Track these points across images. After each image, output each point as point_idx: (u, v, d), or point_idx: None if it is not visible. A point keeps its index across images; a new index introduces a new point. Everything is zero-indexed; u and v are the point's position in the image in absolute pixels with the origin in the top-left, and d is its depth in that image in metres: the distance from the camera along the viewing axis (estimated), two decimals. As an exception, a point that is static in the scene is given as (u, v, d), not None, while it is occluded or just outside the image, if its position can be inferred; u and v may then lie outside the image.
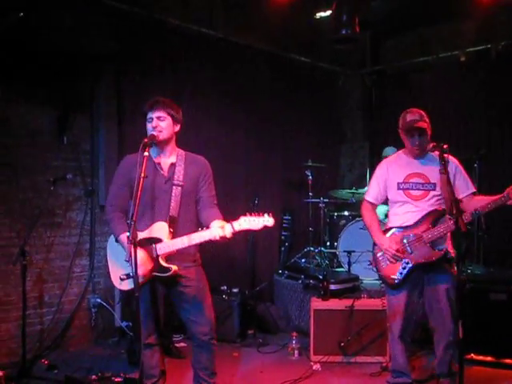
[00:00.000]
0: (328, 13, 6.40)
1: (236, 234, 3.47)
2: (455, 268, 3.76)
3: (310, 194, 7.08)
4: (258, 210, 3.55)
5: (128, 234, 3.26)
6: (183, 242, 3.55)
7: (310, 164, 7.03)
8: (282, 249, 7.22)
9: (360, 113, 8.64)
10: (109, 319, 5.96)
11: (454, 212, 3.50)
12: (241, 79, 7.04)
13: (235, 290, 6.03)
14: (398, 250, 4.12)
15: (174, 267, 3.58)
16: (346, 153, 8.74)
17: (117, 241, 3.73)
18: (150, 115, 3.68)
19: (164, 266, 3.57)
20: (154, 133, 3.62)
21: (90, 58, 5.61)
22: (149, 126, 3.68)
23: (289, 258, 7.18)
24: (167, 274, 3.58)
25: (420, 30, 7.66)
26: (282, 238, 7.25)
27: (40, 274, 5.59)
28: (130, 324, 5.72)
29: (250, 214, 3.44)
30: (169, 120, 3.70)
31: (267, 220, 3.44)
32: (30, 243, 5.17)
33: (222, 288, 6.06)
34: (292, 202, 7.55)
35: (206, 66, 6.65)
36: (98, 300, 5.88)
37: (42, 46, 5.18)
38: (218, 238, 3.43)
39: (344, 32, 5.93)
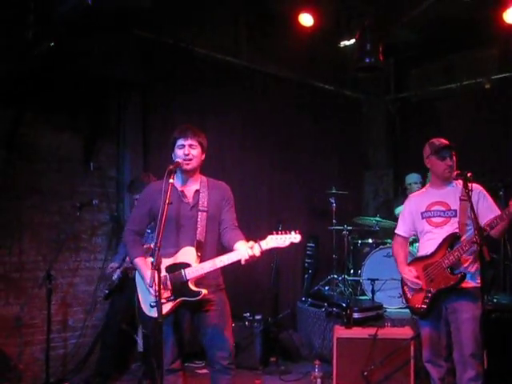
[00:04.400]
0: (352, 41, 6.46)
1: (264, 252, 3.50)
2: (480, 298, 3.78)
3: (334, 221, 7.06)
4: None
5: (152, 259, 3.31)
6: (212, 264, 3.59)
7: (333, 191, 7.03)
8: (306, 276, 7.19)
9: (384, 140, 8.63)
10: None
11: (478, 241, 3.48)
12: (265, 106, 7.12)
13: (258, 317, 6.01)
14: (417, 277, 4.10)
15: (204, 291, 3.60)
16: (370, 180, 8.71)
17: (133, 264, 3.81)
18: (181, 142, 3.72)
19: (194, 291, 3.60)
20: (182, 160, 3.68)
21: (118, 85, 5.76)
22: (179, 152, 3.71)
23: (312, 285, 7.14)
24: (196, 299, 3.60)
25: (444, 57, 7.67)
26: (306, 265, 7.22)
27: (65, 298, 5.66)
28: (144, 350, 5.67)
29: (277, 233, 3.47)
30: (198, 149, 3.76)
31: (294, 237, 3.48)
32: (55, 267, 5.24)
33: (245, 315, 6.04)
34: (316, 230, 7.53)
35: (231, 94, 6.74)
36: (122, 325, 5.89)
37: (72, 74, 5.30)
38: (246, 257, 3.46)
39: (368, 60, 5.98)
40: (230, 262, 3.56)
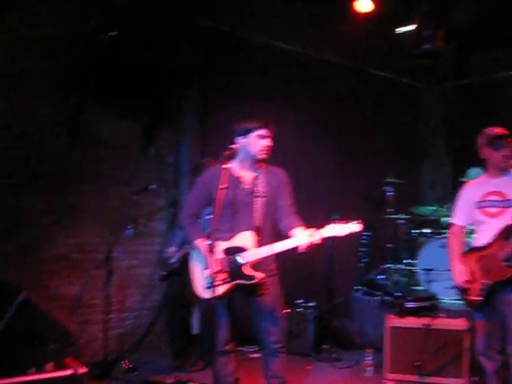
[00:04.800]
0: (410, 27, 6.33)
1: (324, 240, 3.54)
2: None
3: (390, 210, 6.99)
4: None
5: (209, 242, 3.40)
6: (269, 249, 3.66)
7: (390, 180, 6.95)
8: (360, 265, 7.15)
9: (443, 129, 8.46)
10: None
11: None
12: (322, 94, 7.10)
13: (311, 304, 6.04)
14: (467, 281, 4.06)
15: (260, 275, 3.66)
16: (428, 170, 8.57)
17: (191, 245, 3.91)
18: (263, 132, 3.77)
19: (250, 274, 3.66)
20: (259, 150, 3.77)
21: (177, 73, 5.86)
22: (259, 141, 3.77)
23: (366, 274, 7.10)
24: (252, 282, 3.67)
25: (507, 43, 7.42)
26: (361, 253, 7.18)
27: (123, 280, 5.84)
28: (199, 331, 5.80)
29: (337, 221, 3.51)
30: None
31: (354, 226, 3.51)
32: (114, 250, 5.39)
33: (299, 301, 6.08)
34: (371, 218, 7.48)
35: (287, 81, 6.74)
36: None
37: (133, 63, 5.44)
38: (306, 244, 3.52)
39: (427, 46, 5.85)
40: (287, 247, 3.61)
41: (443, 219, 6.75)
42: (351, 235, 3.52)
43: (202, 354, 5.37)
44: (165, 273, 5.44)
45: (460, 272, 4.13)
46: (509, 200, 4.01)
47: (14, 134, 5.17)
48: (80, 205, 5.58)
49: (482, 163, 6.10)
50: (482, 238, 4.10)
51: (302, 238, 3.55)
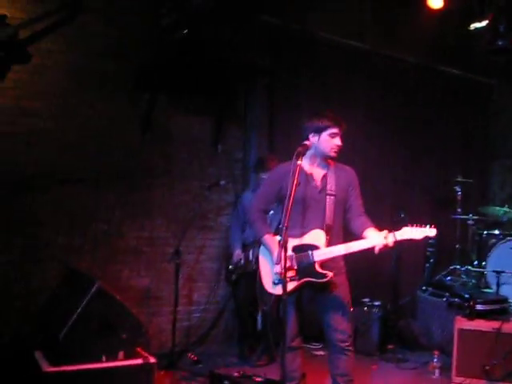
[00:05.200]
0: (483, 23, 6.17)
1: (397, 243, 3.53)
2: None
3: (459, 210, 6.86)
4: (404, 224, 3.56)
5: (280, 238, 3.43)
6: (342, 249, 3.67)
7: (459, 179, 6.82)
8: (427, 265, 7.04)
9: (515, 128, 8.21)
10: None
11: None
12: (390, 91, 7.03)
13: (377, 303, 6.01)
14: None
15: (330, 273, 3.66)
16: (498, 170, 8.32)
17: (259, 241, 3.94)
18: (336, 131, 3.79)
19: (320, 273, 3.67)
20: (330, 148, 3.78)
21: (246, 71, 5.94)
22: (332, 140, 3.78)
23: (433, 274, 6.98)
24: (322, 280, 3.67)
25: None
26: (428, 253, 7.06)
27: (191, 274, 5.97)
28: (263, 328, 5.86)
29: (413, 225, 3.50)
30: None
31: (429, 231, 3.51)
32: (183, 244, 5.49)
33: (364, 300, 6.05)
34: (439, 218, 7.32)
35: (354, 79, 6.72)
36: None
37: (203, 60, 5.54)
38: (380, 246, 3.52)
39: (501, 43, 5.70)
40: (361, 248, 3.61)
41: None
42: (425, 239, 3.48)
43: (267, 349, 5.43)
44: (235, 276, 5.50)
45: None
46: None
47: (89, 130, 5.36)
48: (151, 199, 5.73)
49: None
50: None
51: (376, 239, 3.55)
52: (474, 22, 6.07)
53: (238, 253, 5.49)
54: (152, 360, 4.22)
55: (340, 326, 3.78)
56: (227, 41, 5.53)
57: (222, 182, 5.74)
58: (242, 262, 5.42)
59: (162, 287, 5.75)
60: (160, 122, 5.75)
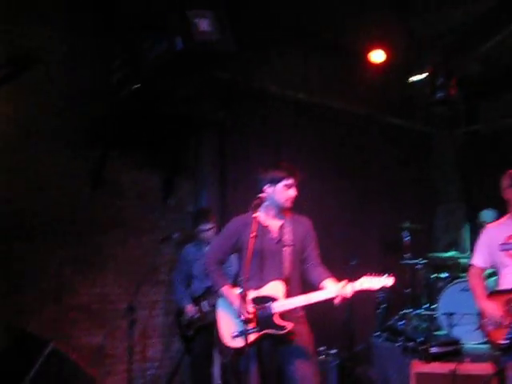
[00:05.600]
0: (422, 76, 6.50)
1: (356, 293, 3.56)
2: None
3: (408, 255, 7.01)
4: (355, 271, 3.62)
5: (240, 290, 3.43)
6: (301, 300, 3.68)
7: (407, 225, 7.00)
8: (379, 311, 7.11)
9: (454, 173, 8.57)
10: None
11: None
12: (337, 141, 7.23)
13: (333, 351, 6.00)
14: (502, 316, 4.03)
15: (290, 324, 3.65)
16: (441, 214, 8.62)
17: (217, 292, 3.92)
18: (291, 182, 3.84)
19: (280, 324, 3.66)
20: (285, 200, 3.83)
21: (197, 124, 6.00)
22: (287, 191, 3.83)
23: (386, 320, 7.06)
24: (281, 332, 3.65)
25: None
26: (379, 299, 7.16)
27: (144, 330, 5.82)
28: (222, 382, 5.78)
29: (371, 275, 3.54)
30: None
31: (387, 280, 3.54)
32: (135, 299, 5.35)
33: (320, 349, 6.04)
34: (389, 263, 7.46)
35: (303, 129, 6.88)
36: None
37: (154, 114, 5.58)
38: (338, 298, 3.55)
39: (440, 95, 6.01)
40: (320, 299, 3.64)
41: (462, 261, 6.80)
42: (383, 289, 3.53)
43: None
44: (191, 332, 5.41)
45: (493, 308, 4.11)
46: None
47: (38, 183, 5.26)
48: (102, 255, 5.62)
49: (494, 205, 6.20)
50: (508, 281, 4.11)
51: (334, 290, 3.58)
52: (413, 75, 6.40)
53: (190, 307, 5.39)
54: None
55: (308, 376, 3.74)
56: (178, 95, 5.58)
57: (175, 235, 5.70)
58: (197, 315, 5.34)
59: (115, 345, 5.59)
60: (111, 177, 5.70)
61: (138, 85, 4.81)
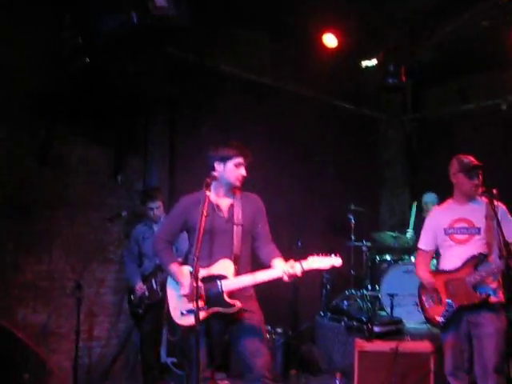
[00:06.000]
0: (373, 62, 6.60)
1: (305, 273, 3.59)
2: (503, 312, 3.91)
3: (353, 237, 7.17)
4: (301, 252, 3.67)
5: (191, 269, 3.44)
6: (249, 279, 3.70)
7: (352, 208, 7.15)
8: (324, 291, 7.26)
9: (401, 159, 8.78)
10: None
11: (504, 254, 3.61)
12: (287, 124, 7.27)
13: (279, 330, 6.11)
14: (435, 290, 4.22)
15: (238, 303, 3.68)
16: (387, 198, 8.83)
17: (167, 271, 3.90)
18: (241, 160, 3.84)
19: (229, 303, 3.68)
20: (235, 178, 3.84)
21: (147, 101, 5.92)
22: (237, 170, 3.83)
23: (330, 300, 7.22)
24: (230, 310, 3.68)
25: (462, 79, 7.82)
26: (324, 280, 7.30)
27: (91, 308, 5.78)
28: (175, 360, 5.83)
29: (318, 254, 3.58)
30: None
31: (335, 260, 3.59)
32: (82, 277, 5.32)
33: (267, 327, 6.12)
34: (334, 245, 7.60)
35: (255, 111, 6.89)
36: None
37: (104, 89, 5.48)
38: (286, 276, 3.56)
39: (391, 81, 6.12)
40: (269, 278, 3.65)
41: (406, 244, 7.01)
42: (332, 268, 3.60)
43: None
44: (141, 310, 5.40)
45: (430, 278, 4.28)
46: (477, 228, 4.19)
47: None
48: (49, 231, 5.53)
49: (438, 190, 6.40)
50: (450, 262, 4.26)
51: (283, 269, 3.59)
52: (364, 60, 6.49)
53: (140, 286, 5.39)
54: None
55: (262, 352, 3.78)
56: (129, 71, 5.49)
57: (124, 213, 5.65)
58: (147, 293, 5.34)
59: (60, 323, 5.52)
60: (58, 152, 5.59)
61: (89, 59, 4.69)
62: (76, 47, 4.92)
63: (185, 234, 4.03)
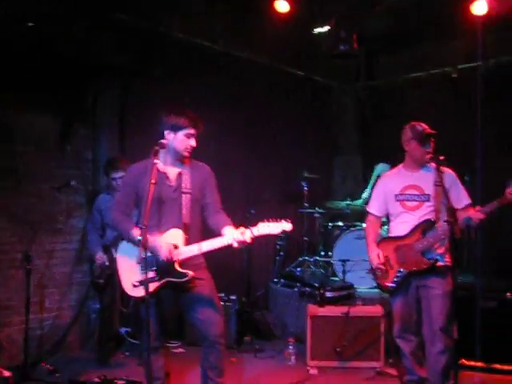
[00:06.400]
0: (326, 28, 6.58)
1: (255, 239, 3.58)
2: (450, 275, 4.02)
3: (306, 204, 7.22)
4: (255, 220, 3.66)
5: (139, 237, 3.40)
6: (201, 247, 3.68)
7: (305, 175, 7.18)
8: (277, 258, 7.33)
9: (354, 126, 8.83)
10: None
11: (450, 219, 3.69)
12: (240, 91, 7.18)
13: (232, 297, 6.15)
14: (383, 264, 4.29)
15: (190, 272, 3.66)
16: (340, 165, 8.90)
17: (129, 240, 3.80)
18: (191, 131, 3.78)
19: (180, 272, 3.66)
20: (184, 148, 3.78)
21: (95, 69, 5.75)
22: (187, 140, 3.77)
23: (284, 266, 7.29)
24: (182, 280, 3.67)
25: (413, 47, 7.86)
26: (277, 247, 7.36)
27: (41, 280, 5.66)
28: (130, 330, 5.82)
29: (268, 220, 3.56)
30: None
31: (285, 225, 3.57)
32: (31, 249, 5.24)
33: (220, 295, 6.15)
34: (288, 212, 7.64)
35: (207, 78, 6.77)
36: (98, 306, 5.84)
37: (49, 56, 5.30)
38: (236, 243, 3.55)
39: (343, 48, 6.11)
40: (219, 246, 3.63)
41: (357, 211, 7.11)
42: (283, 233, 3.60)
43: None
44: (102, 280, 5.34)
45: (377, 256, 4.35)
46: (426, 195, 4.26)
47: None
48: (-5, 202, 5.37)
49: (389, 158, 6.48)
50: (399, 228, 4.35)
51: (232, 236, 3.57)
52: (316, 26, 6.45)
53: (100, 255, 5.34)
54: (6, 374, 4.00)
55: (215, 318, 3.80)
56: (77, 37, 5.32)
57: (73, 183, 5.55)
58: (107, 263, 5.28)
59: (9, 296, 5.38)
60: (4, 121, 5.39)
61: (31, 23, 4.51)
62: (17, 10, 4.71)
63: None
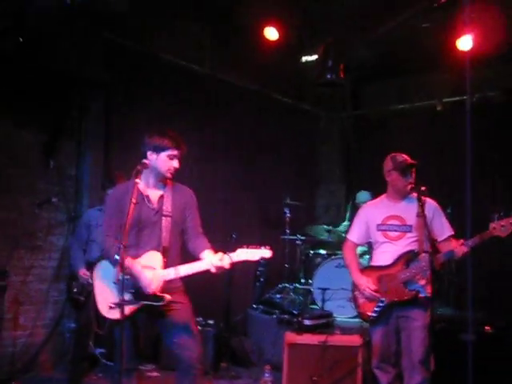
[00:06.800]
0: (314, 57, 6.64)
1: (234, 265, 3.55)
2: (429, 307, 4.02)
3: (287, 231, 7.21)
4: (236, 245, 3.63)
5: (117, 257, 3.35)
6: (178, 271, 3.63)
7: (288, 202, 7.18)
8: (257, 284, 7.28)
9: (338, 155, 8.88)
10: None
11: (429, 250, 3.70)
12: (225, 115, 7.22)
13: (210, 322, 6.09)
14: (375, 290, 4.27)
15: (168, 296, 3.60)
16: (323, 194, 8.92)
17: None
18: (174, 152, 3.73)
19: (158, 296, 3.60)
20: (167, 170, 3.73)
21: (81, 85, 5.76)
22: (169, 162, 3.72)
23: (263, 293, 7.24)
24: (160, 304, 3.60)
25: (399, 78, 7.97)
26: (258, 273, 7.31)
27: (16, 296, 5.57)
28: (104, 351, 5.72)
29: (248, 246, 3.54)
30: None
31: (264, 252, 3.55)
32: (9, 264, 5.18)
33: (198, 319, 6.09)
34: (269, 239, 7.62)
35: (193, 100, 6.81)
36: (73, 325, 5.77)
37: (36, 70, 5.30)
38: (214, 268, 3.52)
39: (329, 76, 6.18)
40: (197, 270, 3.60)
41: (339, 240, 7.11)
42: (261, 260, 3.58)
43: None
44: (82, 298, 5.21)
45: (367, 281, 4.30)
46: (408, 225, 4.25)
47: None
48: (-28, 216, 5.31)
49: (372, 187, 6.52)
50: (382, 258, 4.33)
51: (211, 261, 3.55)
52: (304, 55, 6.51)
53: (83, 271, 5.17)
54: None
55: (192, 343, 3.73)
56: (63, 53, 5.32)
57: (54, 199, 5.51)
58: (90, 280, 5.19)
59: (-16, 311, 5.31)
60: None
61: (19, 39, 4.50)
62: (6, 26, 4.71)
63: None
